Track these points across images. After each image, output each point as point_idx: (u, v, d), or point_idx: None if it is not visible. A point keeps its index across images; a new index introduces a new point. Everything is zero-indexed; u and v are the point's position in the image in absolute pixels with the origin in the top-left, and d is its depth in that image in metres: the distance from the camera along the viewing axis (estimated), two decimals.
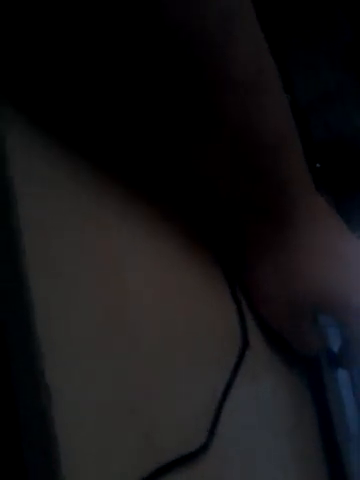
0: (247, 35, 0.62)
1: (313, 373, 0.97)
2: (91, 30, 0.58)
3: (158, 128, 0.73)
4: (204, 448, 0.77)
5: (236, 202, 0.76)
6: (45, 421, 0.98)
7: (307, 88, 1.47)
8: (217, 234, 0.95)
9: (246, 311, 0.97)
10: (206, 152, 0.70)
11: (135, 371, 1.18)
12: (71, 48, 0.64)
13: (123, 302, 1.32)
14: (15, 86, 0.98)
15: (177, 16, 0.55)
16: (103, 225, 1.34)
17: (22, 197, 1.12)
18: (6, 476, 1.18)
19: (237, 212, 0.78)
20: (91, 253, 1.41)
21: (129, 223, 1.63)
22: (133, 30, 0.56)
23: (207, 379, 0.94)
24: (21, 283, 1.07)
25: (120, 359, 1.28)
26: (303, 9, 1.37)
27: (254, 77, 0.63)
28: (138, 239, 1.59)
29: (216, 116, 0.64)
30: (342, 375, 0.98)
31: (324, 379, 0.95)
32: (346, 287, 0.77)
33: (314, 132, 1.41)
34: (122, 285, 1.37)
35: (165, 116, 0.68)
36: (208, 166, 0.71)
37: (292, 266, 0.77)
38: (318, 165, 1.42)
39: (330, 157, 1.51)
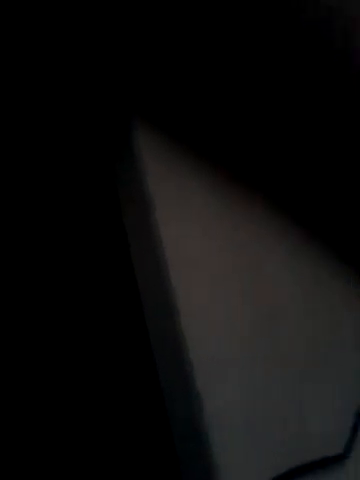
0: None
1: None
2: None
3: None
4: (343, 456, 0.81)
5: None
6: (196, 424, 1.07)
7: None
8: None
9: None
10: None
11: (283, 381, 1.25)
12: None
13: (271, 316, 1.39)
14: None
15: None
16: (253, 252, 1.42)
17: (163, 223, 1.26)
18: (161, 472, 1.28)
19: None
20: (241, 269, 1.48)
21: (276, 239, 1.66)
22: None
23: (350, 391, 0.98)
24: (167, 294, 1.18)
25: (268, 368, 1.35)
26: None
27: None
28: (286, 256, 1.63)
29: None
30: None
31: None
32: None
33: None
34: (270, 299, 1.44)
35: None
36: None
37: None
38: None
39: None
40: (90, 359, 1.44)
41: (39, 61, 1.64)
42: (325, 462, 1.09)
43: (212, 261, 1.47)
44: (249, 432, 1.29)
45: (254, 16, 1.55)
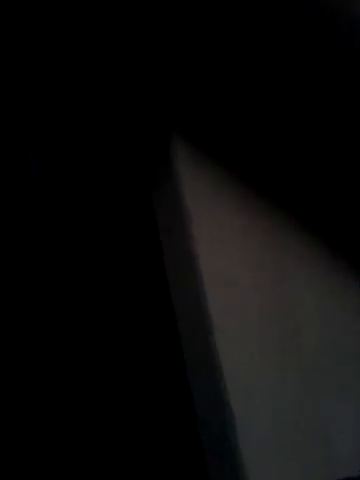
0: None
1: None
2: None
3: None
4: None
5: None
6: (229, 440, 1.09)
7: None
8: None
9: None
10: None
11: (310, 401, 1.27)
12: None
13: (297, 335, 1.40)
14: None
15: None
16: (279, 263, 1.45)
17: (200, 241, 1.29)
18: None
19: None
20: (264, 277, 1.51)
21: (299, 244, 1.69)
22: None
23: None
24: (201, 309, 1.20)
25: (296, 388, 1.38)
26: None
27: None
28: (308, 264, 1.66)
29: None
30: None
31: None
32: None
33: None
34: (296, 317, 1.46)
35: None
36: None
37: None
38: None
39: None
40: (127, 381, 1.46)
41: (81, 80, 1.69)
42: None
43: (244, 280, 1.49)
44: (277, 451, 1.30)
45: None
